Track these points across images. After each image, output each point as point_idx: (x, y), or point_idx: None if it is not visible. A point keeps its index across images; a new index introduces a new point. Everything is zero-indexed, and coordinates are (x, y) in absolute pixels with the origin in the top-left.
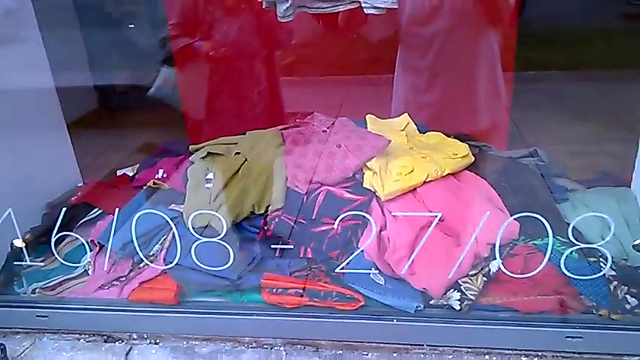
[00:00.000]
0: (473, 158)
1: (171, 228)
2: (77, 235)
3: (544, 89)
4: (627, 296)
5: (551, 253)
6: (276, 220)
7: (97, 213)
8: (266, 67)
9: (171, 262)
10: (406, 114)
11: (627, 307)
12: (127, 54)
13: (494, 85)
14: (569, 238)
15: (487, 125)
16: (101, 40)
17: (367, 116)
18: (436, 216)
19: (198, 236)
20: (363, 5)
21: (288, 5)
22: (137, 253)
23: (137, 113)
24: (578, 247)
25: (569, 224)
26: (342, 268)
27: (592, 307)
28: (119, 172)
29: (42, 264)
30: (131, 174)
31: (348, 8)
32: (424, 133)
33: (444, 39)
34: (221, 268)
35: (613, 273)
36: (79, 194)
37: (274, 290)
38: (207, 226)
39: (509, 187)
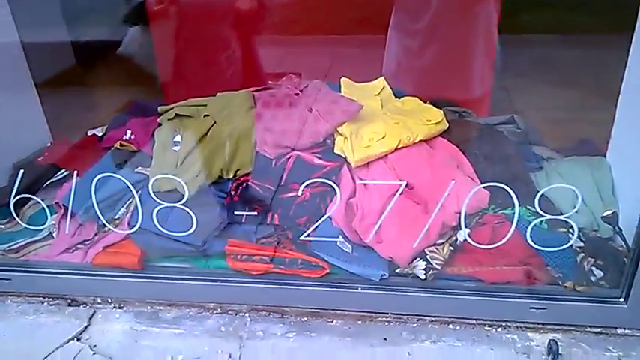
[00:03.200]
0: (447, 125)
1: (138, 191)
2: (37, 199)
3: (530, 54)
4: (593, 268)
5: (520, 222)
6: (244, 185)
7: (64, 174)
8: (236, 32)
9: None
10: (382, 78)
11: (592, 278)
12: (103, 7)
13: (488, 52)
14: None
15: (477, 92)
16: None
17: (342, 79)
18: (404, 184)
19: (159, 201)
20: None
21: None
22: (103, 216)
23: (116, 69)
24: (546, 217)
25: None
26: (309, 236)
27: (558, 278)
28: (89, 133)
29: (3, 226)
30: (100, 134)
31: None
32: (400, 98)
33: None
34: (185, 233)
35: (581, 244)
36: (45, 155)
37: (239, 257)
38: (173, 190)
39: (481, 155)
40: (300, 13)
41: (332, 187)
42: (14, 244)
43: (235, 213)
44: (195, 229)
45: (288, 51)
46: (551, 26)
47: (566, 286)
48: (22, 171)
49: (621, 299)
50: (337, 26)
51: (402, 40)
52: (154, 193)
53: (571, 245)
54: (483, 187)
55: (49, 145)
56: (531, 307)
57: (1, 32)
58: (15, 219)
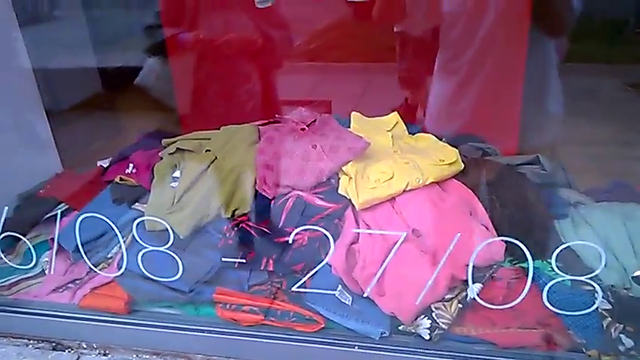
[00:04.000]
0: (462, 165)
1: (131, 230)
2: (22, 237)
3: (567, 83)
4: (622, 336)
5: (540, 278)
6: (238, 226)
7: (64, 208)
8: (258, 65)
9: (127, 269)
10: (395, 112)
11: (621, 348)
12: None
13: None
14: (561, 263)
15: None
16: (102, 21)
17: (352, 114)
18: (404, 234)
19: (145, 244)
20: None
21: None
22: (96, 254)
23: (143, 97)
24: (565, 277)
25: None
26: (305, 285)
27: (581, 344)
28: (98, 164)
29: None
30: (106, 166)
31: None
32: (414, 134)
33: (486, 38)
34: (172, 278)
35: (609, 307)
36: (47, 187)
37: (228, 306)
38: (167, 230)
39: (498, 200)
40: (334, 40)
41: (334, 230)
42: (6, 281)
43: (224, 259)
44: (183, 273)
45: (321, 78)
46: (592, 54)
47: (590, 355)
48: (6, 208)
49: None
50: (371, 53)
51: (448, 81)
52: (149, 232)
53: (597, 308)
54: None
55: (54, 175)
56: None
57: (14, 60)
58: (13, 251)
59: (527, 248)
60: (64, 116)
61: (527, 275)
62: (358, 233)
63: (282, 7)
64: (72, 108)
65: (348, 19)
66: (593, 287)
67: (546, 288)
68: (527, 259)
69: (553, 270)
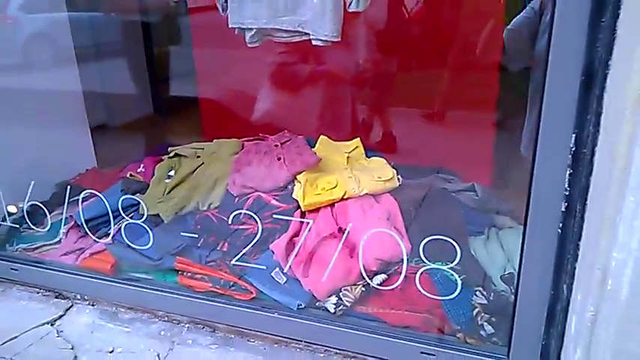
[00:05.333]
0: (397, 183)
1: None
2: (48, 214)
3: None
4: (485, 323)
5: (436, 275)
6: (202, 215)
7: (87, 194)
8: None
9: (116, 241)
10: (357, 139)
11: (483, 333)
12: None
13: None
14: (462, 267)
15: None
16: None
17: (320, 137)
18: (339, 228)
19: (129, 219)
20: (311, 37)
21: (252, 33)
22: (100, 229)
23: (188, 122)
24: (443, 268)
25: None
26: (243, 261)
27: (455, 330)
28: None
29: (31, 230)
30: None
31: (303, 39)
32: (370, 157)
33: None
34: (146, 247)
35: (484, 302)
36: (77, 178)
37: (186, 274)
38: (156, 214)
39: (423, 213)
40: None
41: (282, 225)
42: (32, 245)
43: (183, 233)
44: (158, 246)
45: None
46: None
47: (458, 337)
48: (32, 182)
49: (505, 357)
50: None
51: None
52: (141, 214)
53: (471, 301)
54: (408, 240)
55: (82, 172)
56: (422, 352)
57: (69, 84)
58: (41, 224)
59: (435, 251)
60: (114, 130)
61: (429, 273)
62: (300, 228)
63: None
64: (123, 125)
65: None
66: (481, 286)
67: (439, 281)
68: (430, 260)
69: (448, 271)
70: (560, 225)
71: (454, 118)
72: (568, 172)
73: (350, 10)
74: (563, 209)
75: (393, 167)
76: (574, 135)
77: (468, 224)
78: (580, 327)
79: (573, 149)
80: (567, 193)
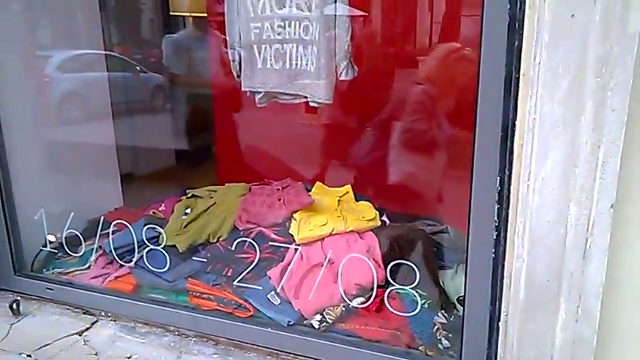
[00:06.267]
0: (379, 222)
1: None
2: (83, 242)
3: None
4: (443, 338)
5: (406, 299)
6: (212, 246)
7: (115, 228)
8: None
9: (138, 266)
10: (349, 185)
11: (440, 347)
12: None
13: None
14: (429, 293)
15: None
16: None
17: (317, 183)
18: (326, 258)
19: (151, 245)
20: (309, 99)
21: (261, 95)
22: (124, 257)
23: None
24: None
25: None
26: (242, 283)
27: (419, 344)
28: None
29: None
30: None
31: (302, 101)
32: (358, 201)
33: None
34: (163, 270)
35: (444, 321)
36: (107, 214)
37: (195, 294)
38: (173, 245)
39: (399, 249)
40: None
41: (278, 255)
42: (66, 270)
43: (195, 258)
44: (173, 271)
45: None
46: None
47: (420, 350)
48: (72, 213)
49: None
50: None
51: None
52: (161, 245)
53: (433, 320)
54: (381, 269)
55: (112, 210)
56: None
57: (105, 137)
58: (71, 255)
59: (405, 278)
60: (139, 178)
61: (400, 297)
62: (292, 257)
63: None
64: (148, 174)
65: None
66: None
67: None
68: (402, 287)
69: (417, 295)
70: (493, 250)
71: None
72: (496, 207)
73: (340, 79)
74: (494, 237)
75: (383, 211)
76: (498, 177)
77: (440, 260)
78: (502, 329)
79: (498, 189)
80: (497, 224)
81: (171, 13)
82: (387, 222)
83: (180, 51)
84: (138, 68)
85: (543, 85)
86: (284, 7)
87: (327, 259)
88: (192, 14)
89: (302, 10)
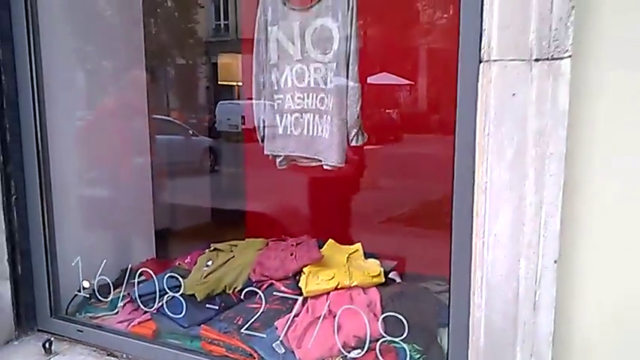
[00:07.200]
0: (383, 279)
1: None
2: (112, 291)
3: None
4: None
5: (402, 352)
6: (227, 295)
7: (143, 278)
8: None
9: (159, 312)
10: (359, 243)
11: None
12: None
13: None
14: (425, 348)
15: None
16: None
17: (329, 240)
18: (329, 311)
19: (171, 293)
20: (323, 163)
21: (281, 159)
22: (149, 304)
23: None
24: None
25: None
26: (249, 331)
27: None
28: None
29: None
30: None
31: (318, 164)
32: (367, 259)
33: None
34: (179, 316)
35: None
36: (138, 265)
37: (208, 340)
38: (193, 295)
39: (400, 305)
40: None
41: (287, 306)
42: (96, 314)
43: (209, 306)
44: (189, 317)
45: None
46: None
47: None
48: (104, 260)
49: None
50: None
51: None
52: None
53: None
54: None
55: (144, 260)
56: None
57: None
58: (102, 300)
59: (402, 333)
60: (174, 233)
61: (396, 351)
62: (300, 309)
63: None
64: (184, 229)
65: None
66: None
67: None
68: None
69: (413, 350)
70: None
71: None
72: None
73: (352, 145)
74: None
75: (392, 270)
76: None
77: (441, 318)
78: None
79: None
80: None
81: (219, 82)
82: (397, 280)
83: (232, 115)
84: (190, 132)
85: (492, 153)
86: (303, 81)
87: (324, 311)
88: (238, 83)
89: (319, 85)
